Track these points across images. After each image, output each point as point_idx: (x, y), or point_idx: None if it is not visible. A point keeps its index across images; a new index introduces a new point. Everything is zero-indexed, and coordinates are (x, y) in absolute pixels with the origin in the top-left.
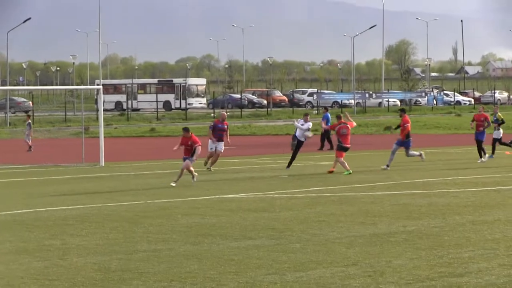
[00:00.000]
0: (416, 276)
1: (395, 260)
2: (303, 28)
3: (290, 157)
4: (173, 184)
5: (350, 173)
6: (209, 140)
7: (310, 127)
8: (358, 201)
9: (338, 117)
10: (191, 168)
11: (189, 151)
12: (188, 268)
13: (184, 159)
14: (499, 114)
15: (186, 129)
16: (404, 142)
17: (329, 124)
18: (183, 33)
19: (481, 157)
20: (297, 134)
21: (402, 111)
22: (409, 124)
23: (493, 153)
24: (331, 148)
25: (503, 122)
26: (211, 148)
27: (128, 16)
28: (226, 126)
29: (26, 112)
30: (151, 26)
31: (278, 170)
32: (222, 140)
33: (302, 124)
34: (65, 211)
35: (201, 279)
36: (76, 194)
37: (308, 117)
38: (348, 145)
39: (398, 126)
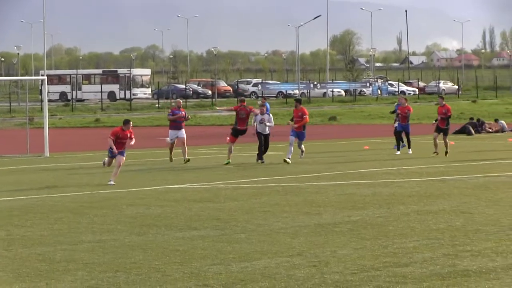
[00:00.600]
0: (361, 266)
1: (340, 250)
2: (248, 18)
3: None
4: (113, 183)
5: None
6: (169, 131)
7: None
8: (302, 191)
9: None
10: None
11: (123, 146)
12: (133, 258)
13: (116, 154)
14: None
15: (127, 122)
16: (300, 134)
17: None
18: (128, 23)
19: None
20: (259, 130)
21: (298, 101)
22: (307, 116)
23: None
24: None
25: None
26: (171, 139)
27: (72, 7)
28: (184, 113)
29: None
30: (95, 16)
31: (223, 160)
32: (182, 128)
33: (261, 120)
34: (10, 202)
35: (146, 270)
36: (20, 185)
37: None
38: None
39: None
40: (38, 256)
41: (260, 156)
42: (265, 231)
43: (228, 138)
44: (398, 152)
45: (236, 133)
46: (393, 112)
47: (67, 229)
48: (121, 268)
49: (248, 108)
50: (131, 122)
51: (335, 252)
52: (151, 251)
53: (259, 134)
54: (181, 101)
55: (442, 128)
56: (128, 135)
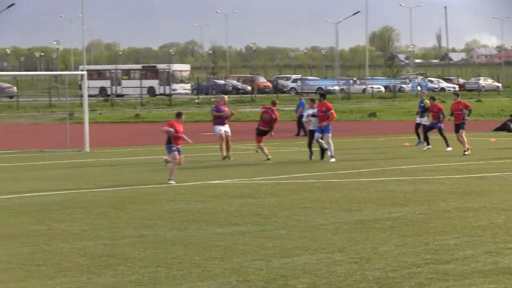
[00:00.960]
0: (402, 262)
1: (380, 247)
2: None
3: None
4: (173, 183)
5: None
6: (216, 126)
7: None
8: (343, 188)
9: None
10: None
11: (179, 140)
12: (174, 253)
13: (175, 150)
14: (426, 101)
15: (180, 114)
16: (325, 128)
17: (304, 111)
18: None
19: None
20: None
21: (322, 96)
22: (333, 111)
23: (424, 140)
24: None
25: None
26: (219, 133)
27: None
28: (227, 110)
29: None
30: (134, 11)
31: (263, 156)
32: (226, 123)
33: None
34: (51, 197)
35: (187, 265)
36: (61, 180)
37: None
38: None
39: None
40: (79, 251)
41: (321, 154)
42: (306, 227)
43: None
44: (428, 147)
45: (260, 133)
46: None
47: (108, 224)
48: (162, 263)
49: (273, 114)
50: (183, 115)
51: (376, 248)
52: (192, 247)
53: (310, 131)
54: (226, 98)
55: (457, 124)
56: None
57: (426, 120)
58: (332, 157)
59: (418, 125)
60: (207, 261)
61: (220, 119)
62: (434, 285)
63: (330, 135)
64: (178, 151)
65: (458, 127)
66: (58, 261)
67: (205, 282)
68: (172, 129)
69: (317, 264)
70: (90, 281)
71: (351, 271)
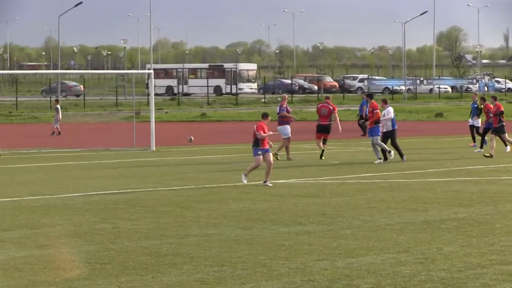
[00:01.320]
0: (467, 263)
1: (446, 247)
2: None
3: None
4: (270, 184)
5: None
6: (284, 126)
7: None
8: (409, 188)
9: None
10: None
11: (266, 141)
12: (239, 253)
13: (261, 154)
14: (478, 102)
15: (266, 115)
16: (373, 130)
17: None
18: (234, 17)
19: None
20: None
21: (369, 96)
22: (378, 110)
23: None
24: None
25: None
26: (289, 135)
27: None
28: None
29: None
30: (201, 10)
31: (328, 156)
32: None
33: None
34: (116, 195)
35: (252, 264)
36: (127, 178)
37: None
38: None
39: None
40: (145, 250)
41: (400, 155)
42: (371, 227)
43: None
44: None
45: (320, 129)
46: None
47: (173, 222)
48: (226, 262)
49: (330, 106)
50: (269, 116)
51: (441, 249)
52: (257, 246)
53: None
54: (286, 96)
55: (495, 127)
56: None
57: (478, 122)
58: (379, 158)
59: (472, 127)
60: (272, 261)
61: (287, 119)
62: (499, 286)
63: (377, 137)
64: (267, 151)
65: (495, 130)
66: (123, 259)
67: (269, 282)
68: (265, 134)
69: (382, 264)
70: (154, 280)
71: (416, 271)
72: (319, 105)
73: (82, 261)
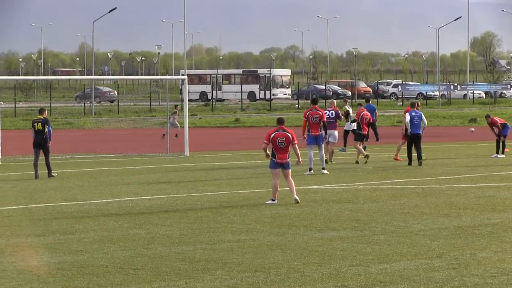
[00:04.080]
0: (501, 269)
1: (479, 253)
2: (387, 20)
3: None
4: (296, 198)
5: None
6: (333, 131)
7: None
8: (442, 193)
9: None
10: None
11: (285, 152)
12: (272, 258)
13: (277, 166)
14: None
15: (282, 121)
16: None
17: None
18: (268, 23)
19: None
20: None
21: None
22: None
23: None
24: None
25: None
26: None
27: (213, 6)
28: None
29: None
30: (235, 16)
31: (362, 160)
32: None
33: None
34: (150, 201)
35: (285, 270)
36: (160, 184)
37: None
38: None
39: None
40: (178, 255)
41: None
42: (404, 232)
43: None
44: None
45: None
46: None
47: (206, 228)
48: (260, 268)
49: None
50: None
51: (474, 254)
52: (290, 251)
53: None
54: (334, 101)
55: None
56: (285, 139)
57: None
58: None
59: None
60: (305, 266)
61: (334, 125)
62: None
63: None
64: (284, 167)
65: None
66: (156, 265)
67: (303, 287)
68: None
69: (415, 270)
70: (188, 286)
71: (450, 277)
72: (361, 111)
73: (115, 267)
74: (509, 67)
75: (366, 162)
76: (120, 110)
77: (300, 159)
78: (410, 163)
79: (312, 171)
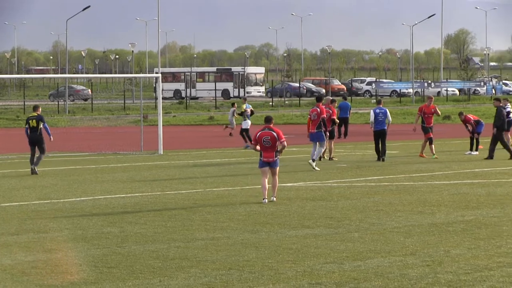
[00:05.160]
0: (474, 266)
1: (453, 250)
2: (361, 17)
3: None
4: (273, 199)
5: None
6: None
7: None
8: (416, 191)
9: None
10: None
11: (272, 150)
12: (246, 256)
13: (265, 164)
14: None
15: (269, 119)
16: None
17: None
18: (242, 21)
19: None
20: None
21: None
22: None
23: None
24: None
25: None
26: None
27: (187, 5)
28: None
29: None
30: (209, 14)
31: (334, 158)
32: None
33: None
34: (124, 199)
35: (259, 268)
36: (134, 182)
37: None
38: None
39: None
40: (152, 253)
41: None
42: (378, 230)
43: None
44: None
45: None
46: None
47: (180, 226)
48: (234, 266)
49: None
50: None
51: (448, 251)
52: (264, 249)
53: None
54: (330, 99)
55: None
56: (270, 137)
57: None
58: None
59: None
60: (279, 264)
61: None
62: None
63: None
64: (271, 165)
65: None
66: (130, 263)
67: (277, 285)
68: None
69: (389, 267)
70: (162, 284)
71: (423, 274)
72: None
73: (89, 265)
74: (482, 65)
75: (320, 159)
76: (94, 109)
77: (282, 152)
78: (378, 159)
79: (314, 162)
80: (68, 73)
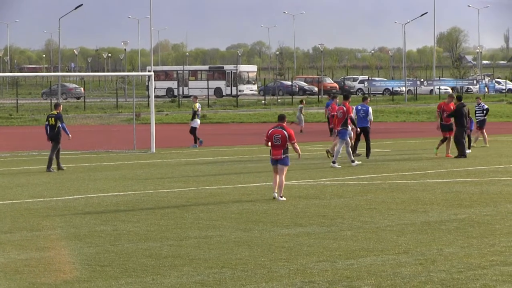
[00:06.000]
0: (467, 264)
1: (446, 248)
2: (354, 15)
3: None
4: (280, 198)
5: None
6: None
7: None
8: (409, 189)
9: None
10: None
11: (280, 148)
12: (239, 254)
13: (274, 162)
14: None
15: (282, 117)
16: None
17: None
18: (234, 19)
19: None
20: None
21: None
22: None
23: None
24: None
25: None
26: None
27: (179, 3)
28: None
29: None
30: (201, 12)
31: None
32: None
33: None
34: (117, 197)
35: (252, 266)
36: (127, 180)
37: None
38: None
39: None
40: (145, 252)
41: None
42: (371, 228)
43: None
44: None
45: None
46: None
47: (173, 224)
48: (227, 264)
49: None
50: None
51: (441, 250)
52: (257, 248)
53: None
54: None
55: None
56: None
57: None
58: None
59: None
60: (272, 262)
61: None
62: (500, 287)
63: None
64: (280, 163)
65: None
66: (123, 261)
67: (269, 283)
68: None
69: (382, 265)
70: (154, 282)
71: (416, 272)
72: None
73: (82, 263)
74: (475, 63)
75: (328, 156)
76: (87, 107)
77: (300, 154)
78: (354, 153)
79: (354, 163)
80: (61, 72)
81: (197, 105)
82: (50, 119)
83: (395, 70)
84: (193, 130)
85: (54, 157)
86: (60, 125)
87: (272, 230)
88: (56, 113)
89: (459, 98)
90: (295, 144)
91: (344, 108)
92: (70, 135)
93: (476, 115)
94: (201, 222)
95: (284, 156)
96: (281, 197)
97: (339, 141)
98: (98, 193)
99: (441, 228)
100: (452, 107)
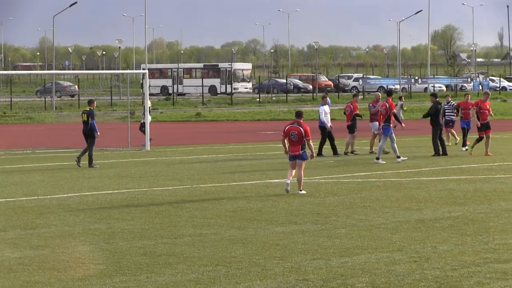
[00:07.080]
0: (461, 262)
1: (440, 246)
2: (348, 13)
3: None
4: (300, 192)
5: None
6: (373, 123)
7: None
8: (403, 187)
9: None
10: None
11: (298, 144)
12: (233, 252)
13: (292, 158)
14: None
15: (299, 114)
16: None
17: None
18: (228, 17)
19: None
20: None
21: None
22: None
23: None
24: None
25: None
26: (377, 130)
27: (173, 1)
28: (377, 106)
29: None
30: (196, 10)
31: (324, 153)
32: (377, 120)
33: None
34: (111, 195)
35: (247, 264)
36: (121, 178)
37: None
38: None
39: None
40: (139, 250)
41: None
42: (365, 226)
43: None
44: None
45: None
46: None
47: (167, 222)
48: (221, 262)
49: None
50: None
51: (435, 247)
52: (252, 246)
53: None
54: (379, 95)
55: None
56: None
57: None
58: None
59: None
60: (266, 260)
61: (376, 116)
62: (493, 284)
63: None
64: (298, 158)
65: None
66: (117, 259)
67: (264, 281)
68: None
69: (377, 263)
70: (149, 280)
71: (410, 270)
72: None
73: (76, 262)
74: (469, 61)
75: (349, 153)
76: (81, 105)
77: (314, 154)
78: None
79: (400, 158)
80: (55, 69)
81: (149, 102)
82: (83, 115)
83: (390, 68)
84: (142, 127)
85: (91, 153)
86: (92, 122)
87: (266, 228)
88: (88, 109)
89: (434, 96)
90: (310, 141)
91: (387, 104)
92: (98, 133)
93: (446, 113)
94: (196, 220)
95: (302, 151)
96: (301, 190)
97: (382, 137)
98: (92, 191)
99: (435, 225)
100: (488, 105)
